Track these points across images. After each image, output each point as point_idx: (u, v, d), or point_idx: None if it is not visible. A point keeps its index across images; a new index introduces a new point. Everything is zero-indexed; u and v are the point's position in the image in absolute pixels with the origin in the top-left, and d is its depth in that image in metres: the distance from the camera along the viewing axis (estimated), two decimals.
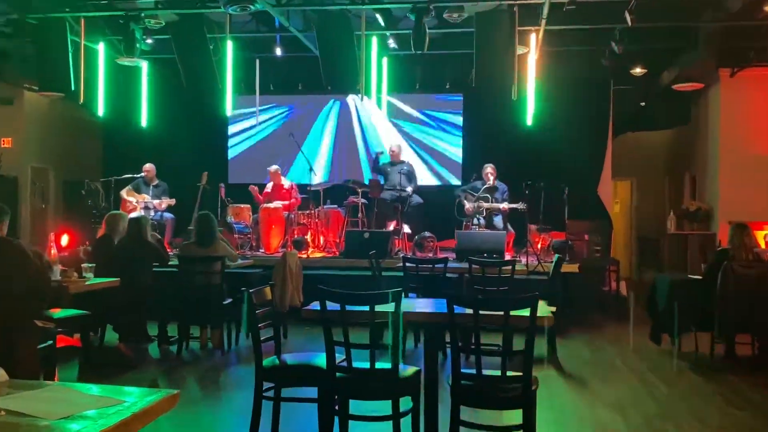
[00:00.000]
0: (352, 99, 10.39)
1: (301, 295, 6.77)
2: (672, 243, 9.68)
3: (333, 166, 10.40)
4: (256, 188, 8.80)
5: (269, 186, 9.14)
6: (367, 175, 10.07)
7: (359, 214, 8.69)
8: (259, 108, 9.74)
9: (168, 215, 8.82)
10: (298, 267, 6.87)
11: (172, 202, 8.77)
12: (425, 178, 10.07)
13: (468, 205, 8.22)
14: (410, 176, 8.80)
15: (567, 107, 9.37)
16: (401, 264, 6.05)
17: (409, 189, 8.57)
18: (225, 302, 5.91)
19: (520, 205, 7.98)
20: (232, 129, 10.70)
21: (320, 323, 3.18)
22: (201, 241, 6.01)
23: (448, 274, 6.07)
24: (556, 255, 6.25)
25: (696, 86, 9.42)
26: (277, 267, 6.76)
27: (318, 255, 8.27)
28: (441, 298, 3.35)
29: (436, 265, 5.97)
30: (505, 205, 8.15)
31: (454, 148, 10.27)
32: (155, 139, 9.72)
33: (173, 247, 8.34)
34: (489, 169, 8.39)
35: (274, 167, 9.20)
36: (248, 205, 8.90)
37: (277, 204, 8.65)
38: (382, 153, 9.08)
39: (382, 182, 8.80)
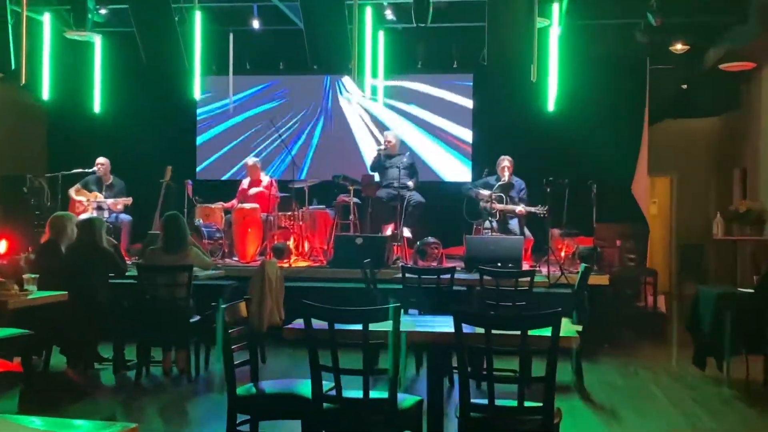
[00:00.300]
0: (342, 80, 10.42)
1: (282, 311, 6.76)
2: (719, 250, 9.70)
3: (320, 160, 10.43)
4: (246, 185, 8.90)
5: (245, 182, 9.16)
6: (360, 171, 10.13)
7: (351, 216, 8.70)
8: (234, 92, 9.75)
9: (125, 217, 8.81)
10: (278, 278, 6.86)
11: (129, 201, 8.77)
12: (428, 173, 10.10)
13: (483, 194, 8.24)
14: (411, 170, 8.82)
15: (595, 90, 9.40)
16: (400, 275, 6.01)
17: (410, 184, 8.61)
18: (192, 320, 5.90)
19: (539, 210, 8.02)
20: (201, 116, 10.73)
21: (305, 344, 3.18)
22: (169, 246, 5.98)
23: (455, 287, 6.09)
24: (583, 264, 6.25)
25: (747, 66, 9.44)
26: (254, 278, 6.75)
27: (302, 264, 8.26)
28: (447, 315, 3.34)
29: (441, 276, 5.93)
30: (521, 208, 8.18)
31: (462, 138, 10.31)
32: (110, 128, 9.71)
33: (131, 255, 8.34)
34: (506, 162, 8.41)
35: (252, 160, 9.20)
36: (220, 205, 8.94)
37: (253, 204, 8.68)
38: (383, 150, 9.07)
39: (377, 179, 8.81)
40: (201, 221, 8.61)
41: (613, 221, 8.87)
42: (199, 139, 10.74)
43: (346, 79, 10.32)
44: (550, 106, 7.94)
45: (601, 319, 7.28)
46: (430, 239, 8.22)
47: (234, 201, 8.93)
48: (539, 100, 8.00)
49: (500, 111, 9.88)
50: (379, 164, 8.93)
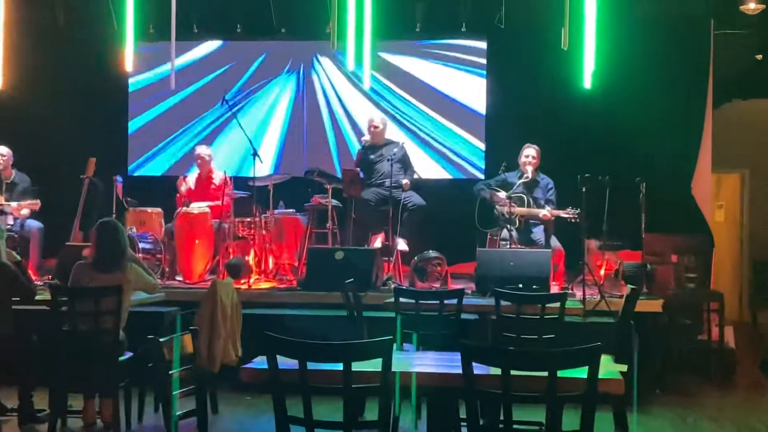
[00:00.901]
0: (318, 48, 10.41)
1: (238, 346, 6.74)
2: None
3: (290, 150, 10.39)
4: (184, 186, 8.87)
5: (191, 178, 9.15)
6: (341, 164, 10.11)
7: (328, 223, 8.68)
8: (177, 63, 9.69)
9: (33, 224, 8.76)
10: (234, 304, 6.83)
11: (37, 204, 8.74)
12: (430, 168, 10.10)
13: (499, 195, 8.26)
14: (405, 164, 8.84)
15: (644, 62, 9.43)
16: (392, 299, 6.04)
17: (405, 182, 8.62)
18: (123, 358, 5.87)
19: (570, 214, 7.99)
20: (134, 94, 10.70)
21: (268, 389, 3.18)
22: (102, 262, 5.93)
23: (463, 315, 6.09)
24: (629, 286, 6.25)
25: None
26: (203, 304, 6.72)
27: (265, 285, 8.24)
28: (453, 352, 3.35)
29: (445, 301, 5.94)
30: (548, 212, 8.18)
31: (473, 124, 10.32)
32: (13, 109, 9.66)
33: (42, 274, 8.28)
34: (530, 153, 8.45)
35: (202, 149, 9.17)
36: (159, 209, 8.92)
37: (202, 207, 8.66)
38: (366, 141, 9.06)
39: (362, 175, 8.83)
40: (134, 230, 8.57)
41: (668, 231, 8.86)
42: (132, 124, 10.71)
43: (324, 46, 10.29)
44: (586, 82, 7.95)
45: (652, 357, 7.28)
46: (432, 254, 8.18)
47: (177, 203, 8.93)
48: (572, 74, 8.00)
49: (522, 88, 9.88)
50: (364, 158, 8.95)
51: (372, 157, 8.85)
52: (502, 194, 8.28)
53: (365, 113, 9.86)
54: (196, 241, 8.45)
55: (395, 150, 8.73)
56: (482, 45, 10.23)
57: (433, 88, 10.37)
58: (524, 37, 9.62)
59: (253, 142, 8.94)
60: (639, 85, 9.40)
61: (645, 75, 9.45)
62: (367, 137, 9.01)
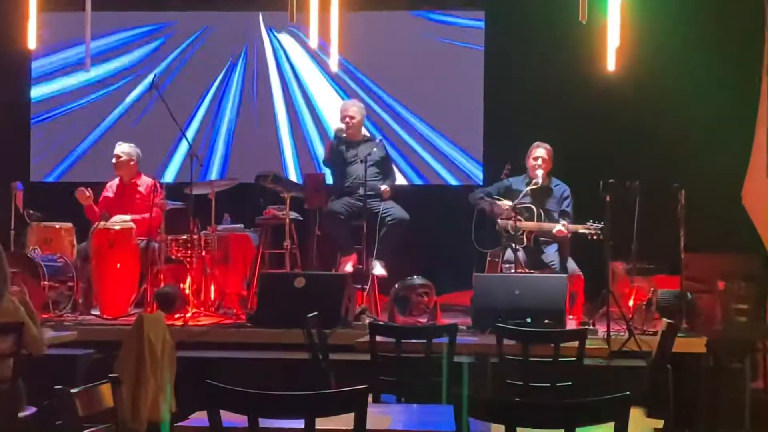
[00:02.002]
0: (274, 22, 10.45)
1: (171, 399, 6.72)
2: None
3: (238, 150, 10.42)
4: (88, 193, 8.76)
5: (112, 185, 9.08)
6: (302, 168, 10.14)
7: (286, 242, 8.65)
8: (93, 39, 9.63)
9: None
10: (166, 345, 6.81)
11: None
12: (413, 172, 10.15)
13: (499, 206, 8.27)
14: (384, 166, 8.84)
15: (683, 38, 9.48)
16: (367, 338, 5.97)
17: (384, 189, 8.62)
18: (22, 414, 5.82)
19: (590, 229, 8.01)
20: (39, 78, 10.68)
21: None
22: None
23: (456, 358, 6.04)
24: (665, 320, 6.27)
25: None
26: (127, 345, 6.69)
27: (206, 321, 8.20)
28: (444, 404, 3.35)
29: (433, 340, 5.86)
30: (563, 226, 8.18)
31: (468, 116, 10.36)
32: None
33: None
34: (540, 153, 8.44)
35: (124, 148, 9.14)
36: (69, 224, 8.86)
37: (125, 221, 8.64)
38: (340, 130, 9.00)
39: (329, 181, 8.82)
40: (38, 250, 8.52)
41: (713, 250, 8.90)
42: (36, 116, 10.69)
43: (280, 18, 10.30)
44: (610, 64, 7.98)
45: (693, 409, 7.28)
46: (417, 280, 8.15)
47: (96, 207, 8.81)
48: (592, 53, 8.04)
49: (529, 72, 9.92)
50: (335, 154, 8.89)
51: (344, 155, 8.80)
52: (506, 204, 8.30)
53: (333, 103, 9.90)
54: (118, 265, 8.35)
55: (373, 149, 8.70)
56: (480, 16, 10.30)
57: (416, 70, 10.39)
58: (531, 7, 9.67)
59: (189, 138, 8.92)
60: (676, 68, 9.45)
61: (684, 55, 9.49)
62: (341, 126, 8.92)
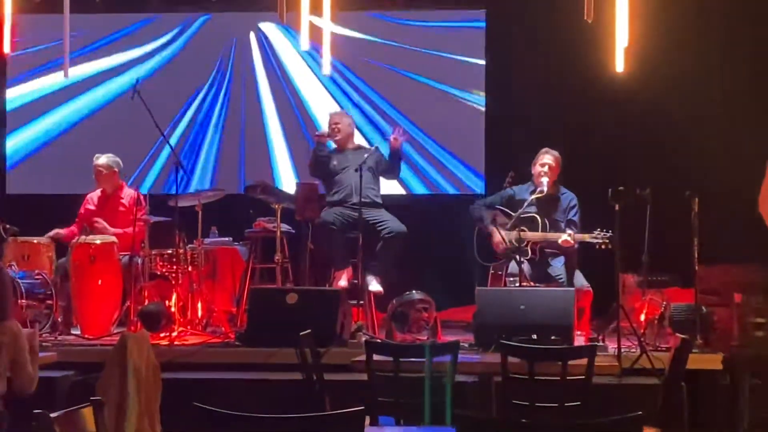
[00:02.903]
0: (263, 23, 10.48)
1: (157, 422, 6.74)
2: None
3: (225, 160, 10.44)
4: (63, 232, 8.85)
5: (93, 197, 9.10)
6: (293, 178, 10.16)
7: (277, 256, 8.65)
8: (72, 41, 9.66)
9: None
10: (150, 365, 6.80)
11: None
12: (411, 182, 10.16)
13: (499, 236, 8.31)
14: (379, 175, 8.86)
15: (693, 38, 9.48)
16: (363, 357, 5.97)
17: (379, 200, 8.65)
18: None
19: (598, 238, 8.03)
20: (12, 85, 10.70)
21: None
22: None
23: (458, 377, 6.09)
24: (678, 336, 6.26)
25: None
26: (110, 366, 6.67)
27: (194, 340, 8.19)
28: (445, 427, 3.39)
29: (434, 359, 5.88)
30: (570, 237, 8.18)
31: (468, 123, 10.38)
32: None
33: None
34: (549, 160, 8.44)
35: (104, 159, 9.17)
36: (48, 240, 8.87)
37: (107, 236, 8.63)
38: (325, 136, 8.99)
39: (322, 190, 8.85)
40: (15, 266, 8.51)
41: (729, 261, 8.81)
42: (11, 124, 10.71)
43: (270, 18, 10.36)
44: (619, 65, 8.01)
45: (709, 429, 7.29)
46: (416, 295, 8.16)
47: (73, 230, 8.91)
48: (599, 55, 8.07)
49: (532, 74, 9.94)
50: (320, 165, 8.86)
51: (335, 163, 8.80)
52: (507, 217, 8.35)
53: (326, 108, 9.94)
54: (99, 282, 8.37)
55: (366, 155, 8.69)
56: (481, 16, 10.33)
57: (414, 75, 10.44)
58: (534, 6, 9.72)
59: (174, 147, 8.93)
60: (688, 69, 9.45)
61: (696, 54, 9.51)
62: (324, 131, 8.95)
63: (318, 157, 8.81)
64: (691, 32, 9.50)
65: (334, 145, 8.92)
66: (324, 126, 9.29)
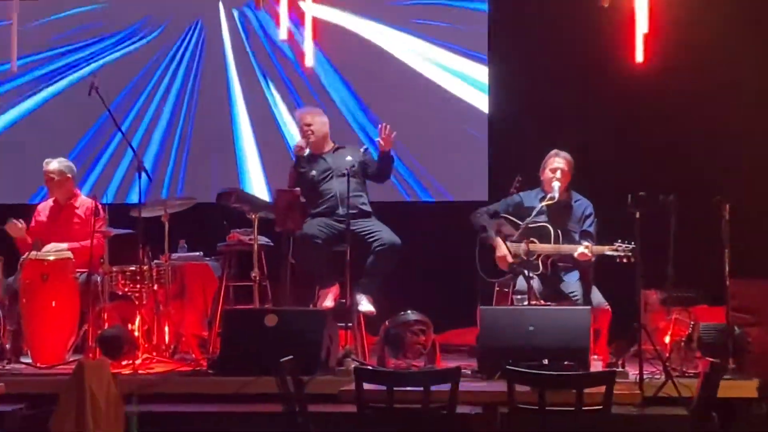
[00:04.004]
0: (235, 5, 10.48)
1: None
2: None
3: (193, 163, 10.45)
4: (20, 225, 8.74)
5: (44, 208, 9.07)
6: (271, 184, 10.11)
7: (254, 272, 8.58)
8: (21, 33, 9.58)
9: None
10: (111, 398, 6.74)
11: None
12: (405, 187, 10.17)
13: (504, 249, 8.23)
14: (366, 179, 8.79)
15: (721, 23, 9.39)
16: (352, 386, 5.96)
17: (368, 207, 8.61)
18: None
19: (618, 250, 7.97)
20: None
21: None
22: None
23: (460, 408, 6.07)
24: (708, 360, 6.25)
25: None
26: (65, 398, 6.63)
27: (159, 368, 8.14)
28: None
29: (432, 387, 5.85)
30: (586, 249, 8.11)
31: (468, 121, 10.36)
32: None
33: None
34: (560, 163, 8.38)
35: (58, 163, 9.06)
36: None
37: (61, 250, 8.58)
38: (305, 146, 8.81)
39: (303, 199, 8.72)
40: None
41: (764, 275, 8.80)
42: None
43: (243, 3, 10.31)
44: (638, 54, 7.96)
45: None
46: (411, 316, 8.08)
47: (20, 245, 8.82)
48: (617, 44, 8.01)
49: (541, 65, 9.95)
50: (300, 178, 8.78)
51: (314, 173, 8.76)
52: (512, 227, 8.26)
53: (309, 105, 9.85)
54: (53, 303, 8.33)
55: (351, 156, 8.70)
56: (483, 4, 10.32)
57: (407, 66, 10.47)
58: None
59: (136, 149, 8.84)
60: (718, 57, 9.44)
61: (725, 42, 9.46)
62: (301, 142, 8.86)
63: (301, 174, 8.77)
64: (718, 17, 9.43)
65: (308, 150, 8.82)
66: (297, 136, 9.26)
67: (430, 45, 10.44)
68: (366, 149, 8.97)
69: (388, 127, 8.47)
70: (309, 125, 8.81)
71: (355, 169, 8.60)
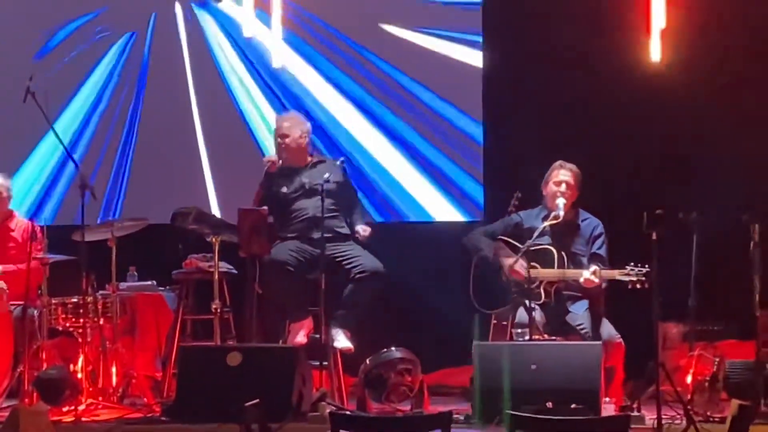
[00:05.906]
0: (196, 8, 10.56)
1: None
2: None
3: (145, 180, 10.48)
4: None
5: None
6: (233, 203, 10.00)
7: (215, 304, 8.54)
8: None
9: None
10: None
11: None
12: (388, 206, 10.21)
13: (512, 257, 8.26)
14: (343, 196, 8.80)
15: (748, 15, 9.44)
16: None
17: (362, 230, 8.62)
18: None
19: (631, 275, 7.98)
20: None
21: None
22: None
23: None
24: (735, 402, 6.22)
25: None
26: None
27: (106, 415, 8.12)
28: None
29: None
30: (595, 274, 8.12)
31: (460, 130, 10.43)
32: None
33: None
34: (566, 176, 8.40)
35: None
36: None
37: None
38: (269, 162, 8.83)
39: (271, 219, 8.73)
40: None
41: None
42: None
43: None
44: (654, 52, 8.01)
45: None
46: (396, 353, 8.18)
47: None
48: (630, 41, 8.06)
49: (545, 65, 10.00)
50: (270, 194, 8.81)
51: (285, 190, 8.78)
52: (511, 251, 8.31)
53: (279, 109, 10.04)
54: None
55: (325, 175, 8.60)
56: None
57: (391, 67, 10.55)
58: None
59: (79, 164, 8.86)
60: (742, 55, 9.46)
61: (751, 39, 9.51)
62: (271, 157, 8.91)
63: (270, 193, 8.78)
64: (738, 13, 9.48)
65: (280, 162, 8.82)
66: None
67: (415, 37, 10.54)
68: (342, 161, 8.94)
69: (367, 228, 8.57)
70: (284, 137, 8.78)
71: (331, 186, 8.57)
